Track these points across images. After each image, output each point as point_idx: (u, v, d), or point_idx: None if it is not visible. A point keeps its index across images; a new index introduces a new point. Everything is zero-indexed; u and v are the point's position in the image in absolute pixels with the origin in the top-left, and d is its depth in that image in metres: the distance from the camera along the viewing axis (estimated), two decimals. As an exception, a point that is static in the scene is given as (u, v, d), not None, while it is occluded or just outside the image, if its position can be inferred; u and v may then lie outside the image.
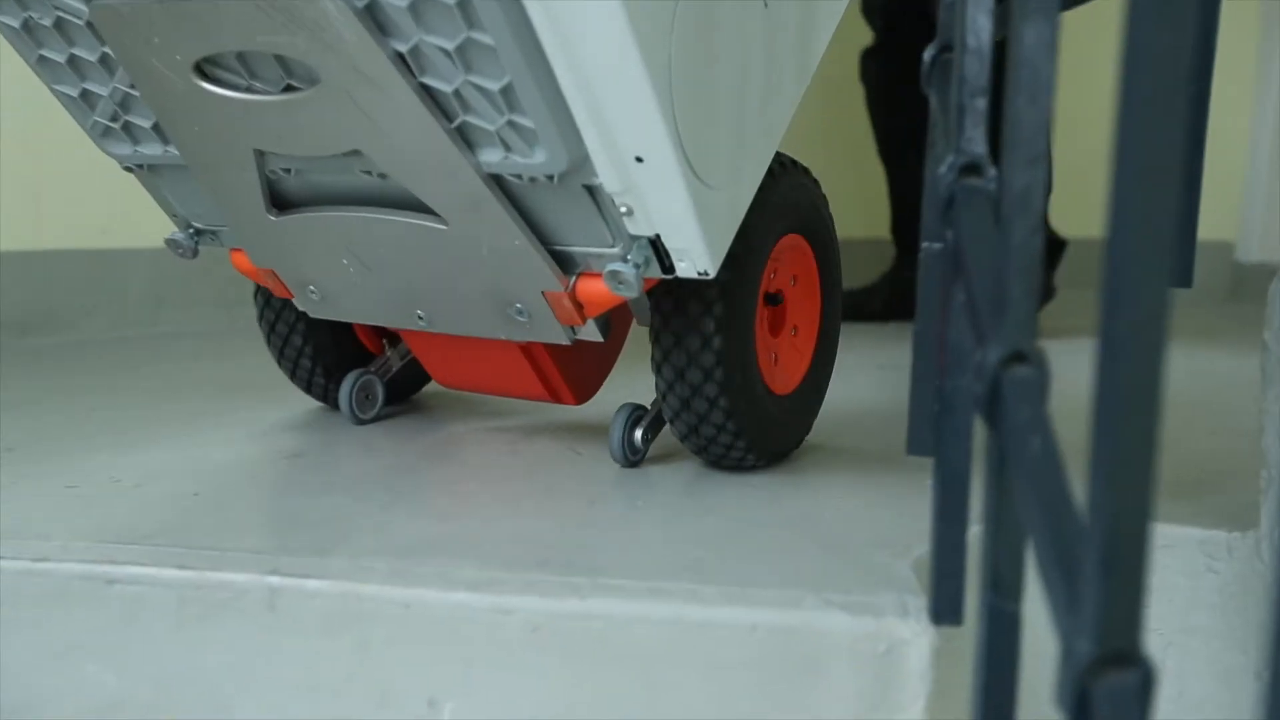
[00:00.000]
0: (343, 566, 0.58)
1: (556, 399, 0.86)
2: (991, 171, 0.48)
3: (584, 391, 0.87)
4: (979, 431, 0.48)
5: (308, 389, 0.96)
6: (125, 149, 0.77)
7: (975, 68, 0.49)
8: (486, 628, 0.55)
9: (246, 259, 0.82)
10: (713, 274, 0.65)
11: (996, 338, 0.40)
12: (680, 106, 0.59)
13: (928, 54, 0.57)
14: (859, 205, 1.81)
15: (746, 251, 0.72)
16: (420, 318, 0.78)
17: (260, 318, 0.93)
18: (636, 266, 0.65)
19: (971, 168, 0.48)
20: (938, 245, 0.60)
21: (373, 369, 0.94)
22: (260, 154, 0.71)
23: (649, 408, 0.79)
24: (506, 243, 0.68)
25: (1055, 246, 1.51)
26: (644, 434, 0.78)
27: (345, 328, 0.94)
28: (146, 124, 0.74)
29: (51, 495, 0.72)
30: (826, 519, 0.68)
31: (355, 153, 0.67)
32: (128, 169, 0.81)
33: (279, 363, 0.95)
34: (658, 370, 0.73)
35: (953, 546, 0.50)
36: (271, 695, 0.57)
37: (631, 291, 0.66)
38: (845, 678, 0.53)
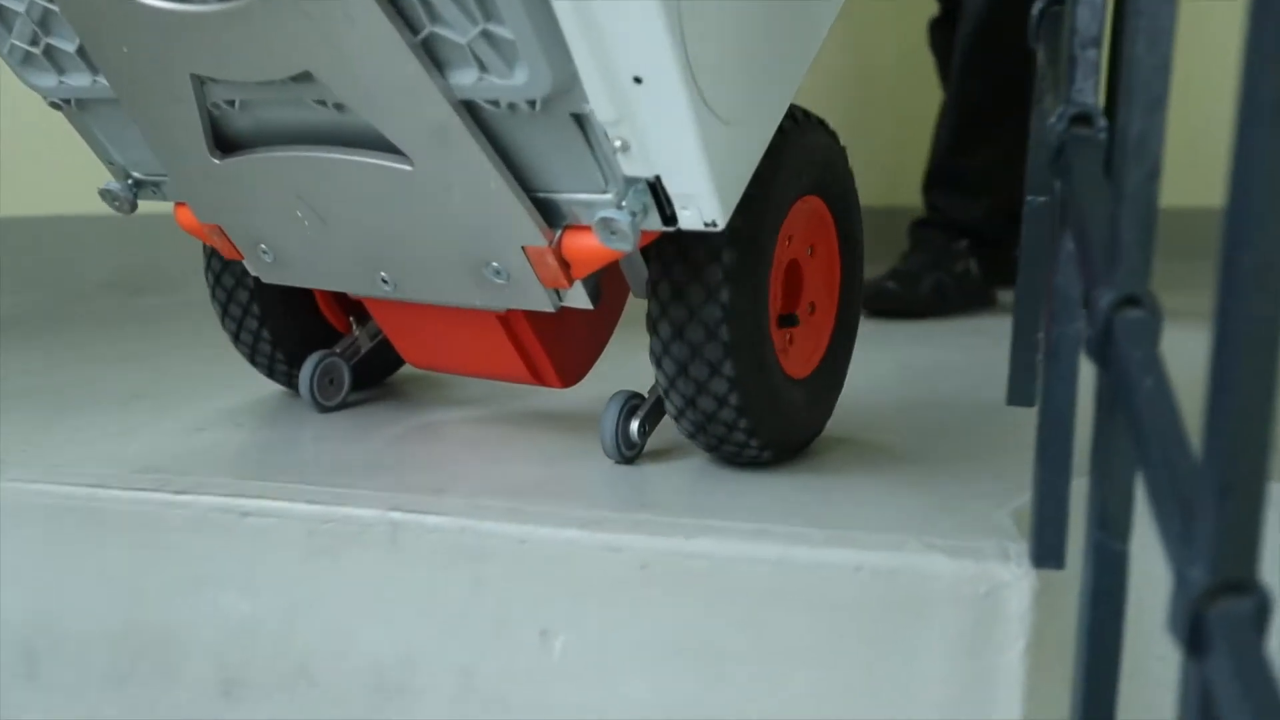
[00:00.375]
0: (459, 504, 0.61)
1: (540, 380, 0.76)
2: (1102, 122, 0.49)
3: (571, 372, 0.77)
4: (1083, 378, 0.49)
5: (266, 370, 0.86)
6: (49, 79, 0.67)
7: (1087, 18, 0.49)
8: (597, 564, 0.58)
9: (191, 214, 0.73)
10: (722, 225, 0.56)
11: (1108, 282, 0.41)
12: (689, 16, 0.50)
13: (1036, 6, 0.57)
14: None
15: (761, 207, 0.62)
16: (384, 281, 0.69)
17: (210, 285, 0.84)
18: (633, 215, 0.56)
19: (1082, 118, 0.48)
20: (1042, 199, 0.61)
21: (338, 350, 0.84)
22: (199, 81, 0.62)
23: (646, 395, 0.70)
24: (481, 186, 0.59)
25: None
26: (641, 426, 0.69)
27: (307, 301, 0.85)
28: (70, 47, 0.64)
29: (180, 436, 0.76)
30: (922, 473, 0.69)
31: (306, 76, 0.58)
32: (54, 105, 0.71)
33: (233, 342, 0.86)
34: (658, 363, 0.64)
35: (1055, 490, 0.51)
36: (393, 624, 0.61)
37: (626, 244, 0.56)
38: (947, 619, 0.54)
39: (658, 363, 0.64)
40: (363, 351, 0.86)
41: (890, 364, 1.10)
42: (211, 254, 0.82)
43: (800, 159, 0.66)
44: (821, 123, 0.69)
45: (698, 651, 0.58)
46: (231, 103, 0.63)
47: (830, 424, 0.79)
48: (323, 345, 0.84)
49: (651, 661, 0.58)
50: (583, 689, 0.59)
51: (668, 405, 0.66)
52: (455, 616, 0.60)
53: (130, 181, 0.74)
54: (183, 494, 0.63)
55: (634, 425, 0.68)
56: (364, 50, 0.55)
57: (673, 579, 0.57)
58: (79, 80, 0.67)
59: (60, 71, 0.67)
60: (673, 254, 0.63)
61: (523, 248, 0.61)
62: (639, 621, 0.58)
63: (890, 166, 1.89)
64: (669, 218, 0.57)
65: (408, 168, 0.60)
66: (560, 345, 0.75)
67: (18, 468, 0.68)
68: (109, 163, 0.74)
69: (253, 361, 0.86)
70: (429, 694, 0.61)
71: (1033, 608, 0.54)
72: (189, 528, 0.63)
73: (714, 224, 0.56)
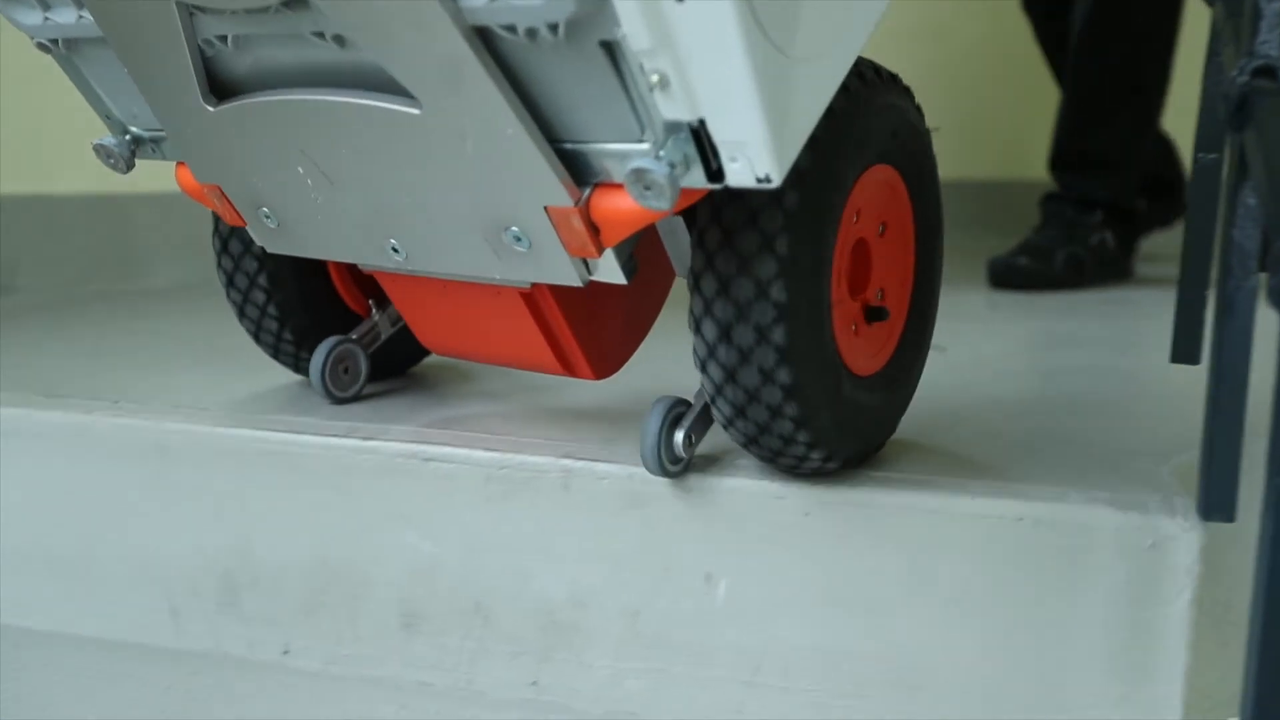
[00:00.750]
0: (628, 453, 0.64)
1: (570, 371, 0.68)
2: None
3: (606, 362, 0.69)
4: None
5: (293, 366, 0.82)
6: (34, 17, 0.62)
7: (1270, -29, 0.49)
8: (761, 511, 0.60)
9: (191, 175, 0.67)
10: (777, 181, 0.47)
11: (1297, 232, 0.41)
12: None
13: (1211, -38, 0.57)
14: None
15: (821, 181, 0.54)
16: (395, 250, 0.61)
17: (224, 285, 0.78)
18: (671, 166, 0.47)
19: (1266, 70, 0.48)
20: (1213, 155, 0.61)
21: (355, 336, 0.77)
22: (188, 12, 0.56)
23: (692, 401, 0.61)
24: (497, 131, 0.51)
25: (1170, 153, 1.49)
26: (687, 436, 0.60)
27: (322, 281, 0.78)
28: None
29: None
30: (1076, 432, 0.70)
31: (301, 3, 0.52)
32: (42, 47, 0.66)
33: (250, 326, 0.79)
34: (703, 367, 0.57)
35: (1228, 442, 0.51)
36: (566, 564, 0.65)
37: (663, 202, 0.47)
38: (1111, 570, 0.55)
39: (702, 367, 0.57)
40: (382, 338, 0.79)
41: (1031, 332, 1.10)
42: (221, 252, 0.77)
43: (870, 123, 0.57)
44: (894, 78, 0.60)
45: (858, 597, 0.60)
46: (224, 39, 0.57)
47: (979, 387, 0.80)
48: (339, 329, 0.78)
49: (813, 606, 0.60)
50: (745, 632, 0.62)
51: (715, 413, 0.59)
52: (623, 560, 0.63)
53: (128, 137, 0.69)
54: (370, 440, 0.68)
55: (678, 436, 0.60)
56: None
57: (835, 526, 0.59)
58: (64, 16, 0.61)
59: (45, 7, 0.62)
60: (717, 240, 0.54)
61: (545, 208, 0.53)
62: (801, 567, 0.60)
63: (1013, 139, 1.86)
64: (715, 172, 0.48)
65: (415, 111, 0.52)
66: (593, 330, 0.67)
67: (220, 415, 0.74)
68: (105, 116, 0.69)
69: (276, 358, 0.82)
70: (598, 634, 0.65)
71: (1199, 560, 0.54)
72: (376, 472, 0.67)
73: (768, 179, 0.47)
